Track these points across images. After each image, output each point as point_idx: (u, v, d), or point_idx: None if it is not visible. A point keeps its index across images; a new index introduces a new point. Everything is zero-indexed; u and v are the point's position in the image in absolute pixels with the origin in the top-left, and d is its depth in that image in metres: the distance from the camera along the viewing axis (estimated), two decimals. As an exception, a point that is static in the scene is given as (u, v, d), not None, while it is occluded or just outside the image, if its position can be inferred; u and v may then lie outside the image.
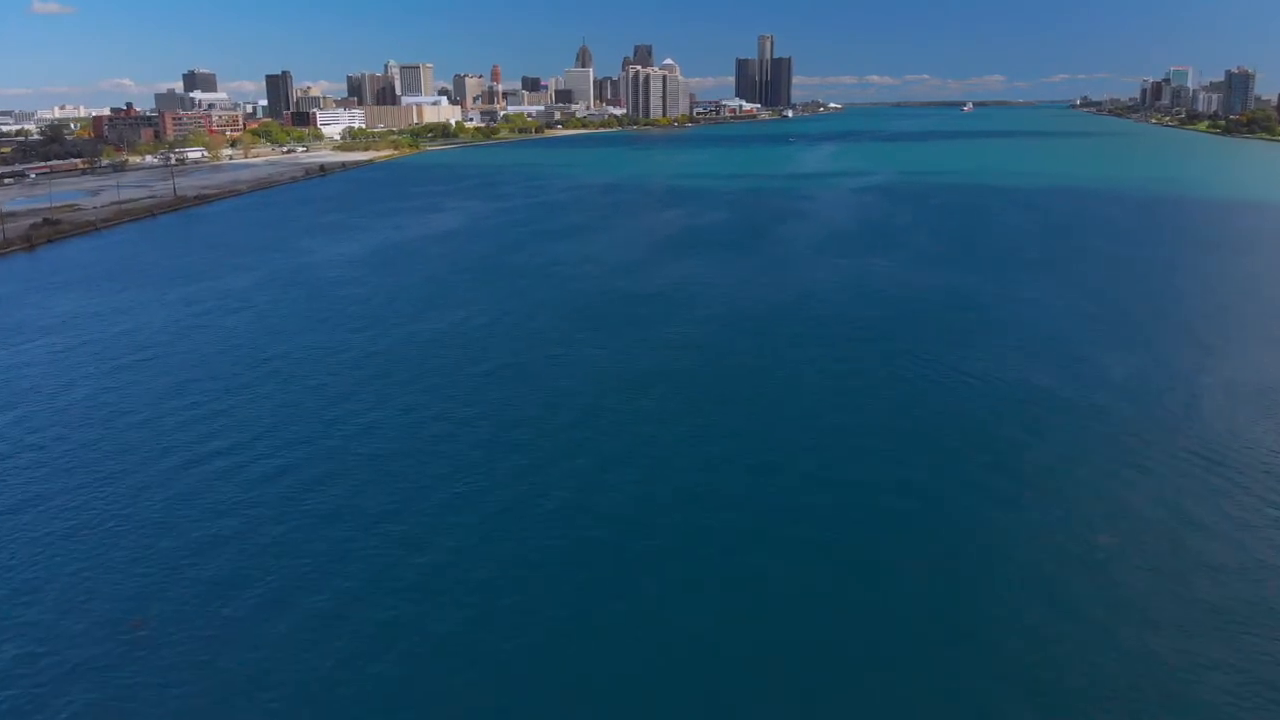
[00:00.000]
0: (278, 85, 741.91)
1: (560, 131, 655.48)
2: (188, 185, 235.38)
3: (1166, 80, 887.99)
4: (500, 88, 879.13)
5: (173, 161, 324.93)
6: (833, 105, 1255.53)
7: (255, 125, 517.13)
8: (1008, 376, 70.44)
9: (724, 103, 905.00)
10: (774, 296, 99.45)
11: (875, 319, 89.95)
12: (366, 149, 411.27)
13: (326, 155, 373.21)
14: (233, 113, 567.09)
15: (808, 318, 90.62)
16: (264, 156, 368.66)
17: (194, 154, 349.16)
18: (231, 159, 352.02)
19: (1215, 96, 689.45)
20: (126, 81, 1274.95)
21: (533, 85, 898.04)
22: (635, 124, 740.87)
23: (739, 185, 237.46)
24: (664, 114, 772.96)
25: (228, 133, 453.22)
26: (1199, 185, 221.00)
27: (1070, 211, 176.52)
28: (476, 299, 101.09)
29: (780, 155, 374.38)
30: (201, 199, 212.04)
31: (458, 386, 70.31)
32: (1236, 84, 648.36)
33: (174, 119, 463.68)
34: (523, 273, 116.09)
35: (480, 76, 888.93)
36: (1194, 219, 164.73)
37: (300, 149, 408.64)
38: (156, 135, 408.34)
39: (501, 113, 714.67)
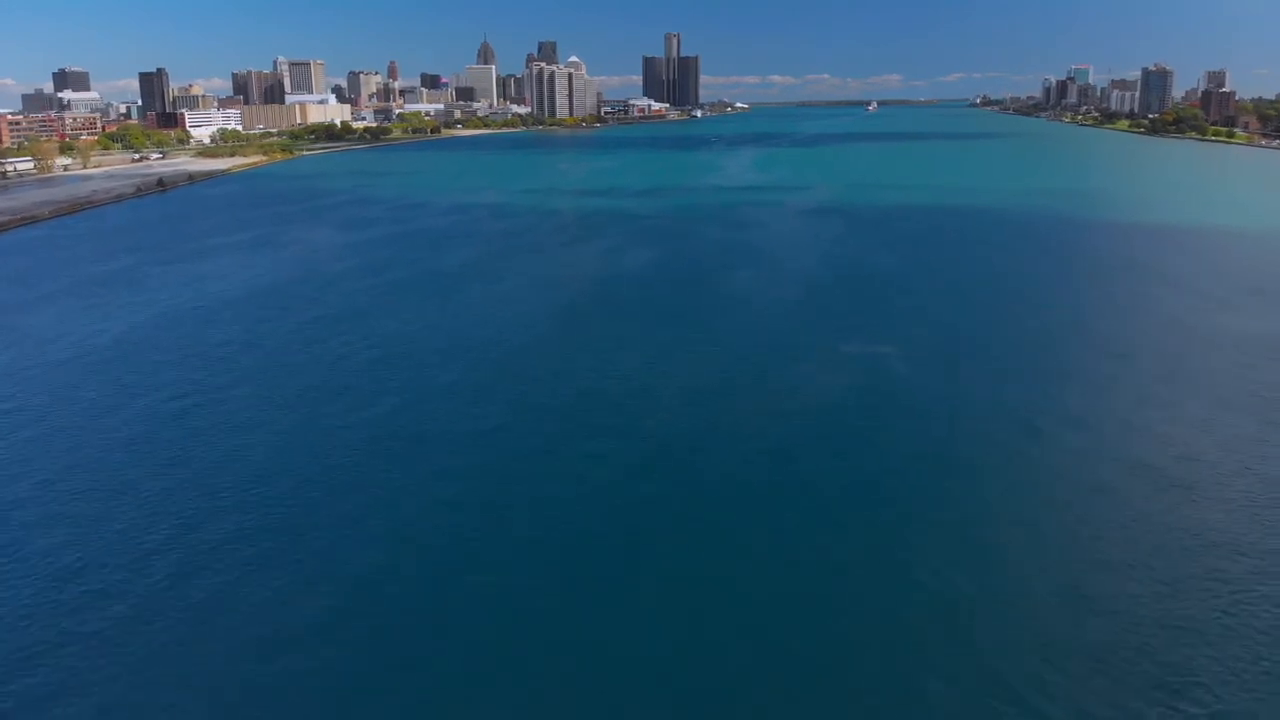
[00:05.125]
0: (152, 83, 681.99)
1: (460, 131, 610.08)
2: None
3: (1071, 78, 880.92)
4: (398, 85, 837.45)
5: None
6: (740, 105, 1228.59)
7: (113, 128, 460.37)
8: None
9: (632, 102, 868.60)
10: (760, 433, 60.45)
11: (933, 500, 52.03)
12: (232, 154, 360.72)
13: (184, 163, 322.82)
14: (90, 115, 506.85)
15: (825, 496, 52.06)
16: (108, 166, 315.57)
17: (23, 164, 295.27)
18: (67, 170, 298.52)
19: (1129, 95, 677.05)
20: (8, 81, 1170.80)
21: (432, 83, 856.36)
22: (541, 124, 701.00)
23: (662, 205, 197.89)
24: (570, 113, 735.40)
25: (83, 137, 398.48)
26: (1203, 204, 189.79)
27: (1086, 244, 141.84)
28: (233, 460, 57.25)
29: (701, 163, 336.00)
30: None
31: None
32: (1154, 82, 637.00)
33: (10, 124, 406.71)
34: (336, 380, 74.28)
35: (377, 74, 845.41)
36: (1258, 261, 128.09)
37: (155, 155, 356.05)
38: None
39: (397, 111, 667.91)
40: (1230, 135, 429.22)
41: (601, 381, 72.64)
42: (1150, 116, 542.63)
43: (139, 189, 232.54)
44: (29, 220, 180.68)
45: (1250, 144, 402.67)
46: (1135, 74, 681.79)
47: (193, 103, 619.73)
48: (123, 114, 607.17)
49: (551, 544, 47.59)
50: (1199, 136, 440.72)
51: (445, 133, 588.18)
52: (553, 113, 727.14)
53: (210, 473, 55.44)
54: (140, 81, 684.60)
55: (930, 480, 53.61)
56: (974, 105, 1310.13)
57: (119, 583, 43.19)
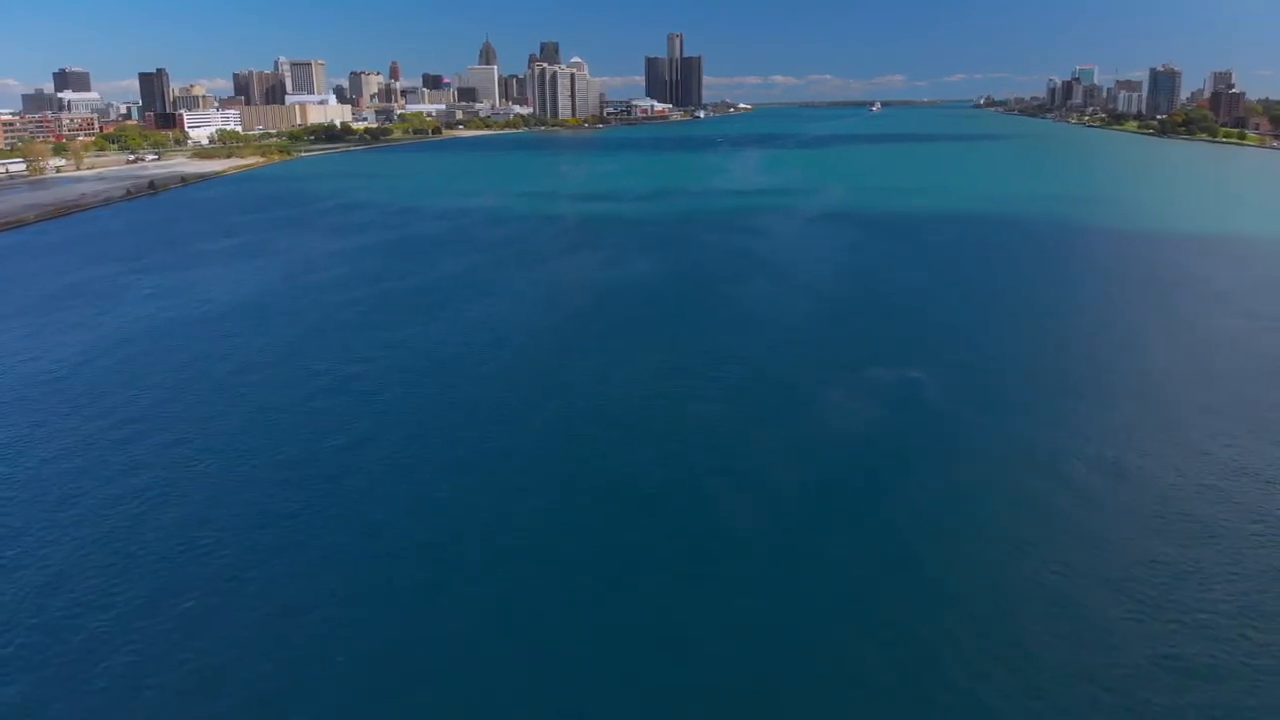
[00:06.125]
0: (152, 84, 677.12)
1: (462, 132, 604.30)
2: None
3: (1076, 79, 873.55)
4: (399, 85, 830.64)
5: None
6: (743, 106, 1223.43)
7: (111, 128, 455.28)
8: None
9: (635, 103, 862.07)
10: (782, 482, 54.55)
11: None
12: (228, 156, 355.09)
13: (180, 165, 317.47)
14: (88, 115, 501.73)
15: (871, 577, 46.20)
16: (102, 167, 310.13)
17: (15, 166, 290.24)
18: (59, 171, 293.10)
19: (1135, 95, 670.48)
20: (10, 81, 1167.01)
21: (434, 83, 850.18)
22: (543, 124, 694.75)
23: (667, 210, 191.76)
24: (573, 114, 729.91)
25: (80, 138, 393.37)
26: (1228, 209, 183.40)
27: (1115, 254, 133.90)
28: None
29: (706, 165, 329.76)
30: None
31: None
32: (1161, 83, 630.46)
33: (5, 125, 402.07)
34: (316, 400, 68.45)
35: (379, 74, 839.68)
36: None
37: (150, 157, 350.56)
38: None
39: (399, 112, 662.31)
40: (1242, 137, 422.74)
41: (602, 403, 66.79)
42: (1159, 118, 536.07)
43: (129, 191, 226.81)
44: (14, 224, 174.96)
45: (1262, 146, 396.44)
46: (1140, 74, 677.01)
47: (193, 103, 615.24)
48: (123, 114, 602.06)
49: (547, 572, 44.03)
50: (1210, 138, 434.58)
51: (446, 133, 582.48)
52: (555, 113, 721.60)
53: (175, 504, 49.69)
54: (140, 82, 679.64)
55: (964, 516, 47.66)
56: (978, 106, 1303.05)
57: (80, 619, 37.38)
